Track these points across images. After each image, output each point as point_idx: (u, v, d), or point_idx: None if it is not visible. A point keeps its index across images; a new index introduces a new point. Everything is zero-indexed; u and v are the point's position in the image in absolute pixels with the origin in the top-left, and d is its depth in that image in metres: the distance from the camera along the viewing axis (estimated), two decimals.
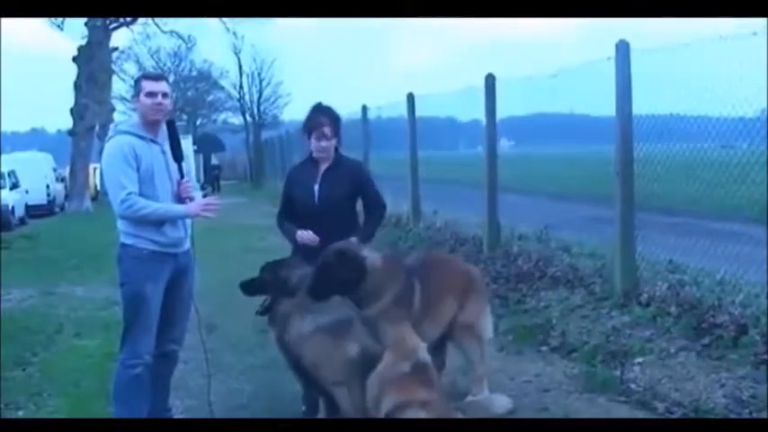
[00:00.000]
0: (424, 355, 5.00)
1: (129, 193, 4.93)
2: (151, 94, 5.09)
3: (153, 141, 5.12)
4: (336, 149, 5.88)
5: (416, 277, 5.45)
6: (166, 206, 5.08)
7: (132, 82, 5.54)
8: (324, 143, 5.74)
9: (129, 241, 5.07)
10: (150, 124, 5.13)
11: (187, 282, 5.38)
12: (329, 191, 5.71)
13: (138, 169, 4.99)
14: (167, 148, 5.20)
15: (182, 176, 5.27)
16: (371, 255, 5.37)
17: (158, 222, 5.07)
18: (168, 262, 5.16)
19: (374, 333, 5.11)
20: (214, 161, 50.77)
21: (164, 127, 5.22)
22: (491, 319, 6.00)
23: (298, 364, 5.21)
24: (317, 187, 5.73)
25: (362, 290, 5.23)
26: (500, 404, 5.55)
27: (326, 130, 5.73)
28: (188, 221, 5.29)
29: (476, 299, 5.84)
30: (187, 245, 5.32)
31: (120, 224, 5.09)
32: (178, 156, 5.27)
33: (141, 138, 5.06)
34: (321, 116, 5.79)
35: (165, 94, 5.13)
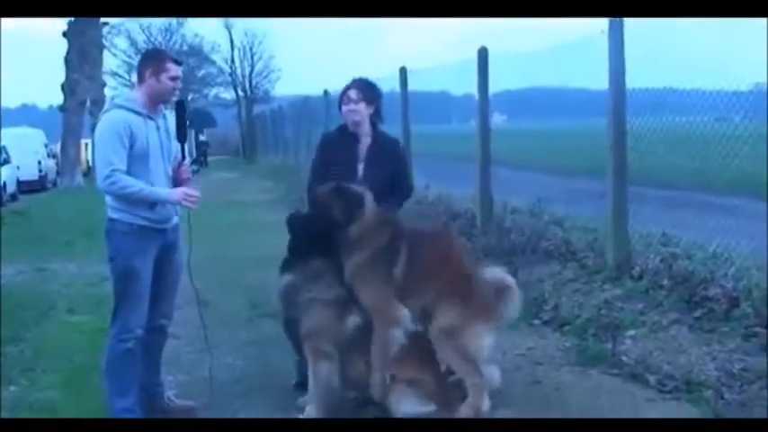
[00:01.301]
0: (410, 326, 5.08)
1: (115, 170, 4.89)
2: (174, 79, 5.12)
3: (149, 117, 5.08)
4: (374, 125, 5.87)
5: (405, 241, 5.21)
6: (149, 188, 5.01)
7: (125, 56, 5.42)
8: (352, 106, 5.76)
9: (117, 216, 5.04)
10: (155, 103, 5.12)
11: (176, 256, 5.37)
12: (374, 171, 5.71)
13: (131, 146, 4.95)
14: (161, 123, 5.18)
15: (183, 158, 5.31)
16: (374, 209, 5.31)
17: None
18: (157, 237, 5.15)
19: (356, 289, 5.16)
20: (202, 137, 50.55)
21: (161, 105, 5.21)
22: (487, 338, 5.13)
23: (294, 328, 5.32)
24: (361, 166, 5.76)
25: (352, 233, 5.16)
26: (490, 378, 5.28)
27: (352, 93, 5.78)
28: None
29: (465, 302, 5.08)
30: (175, 220, 5.31)
31: (109, 199, 5.07)
32: (182, 136, 5.30)
33: (138, 113, 5.02)
34: (350, 84, 5.87)
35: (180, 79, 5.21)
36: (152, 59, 5.20)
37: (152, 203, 5.06)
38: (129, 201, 4.99)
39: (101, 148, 5.00)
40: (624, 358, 5.97)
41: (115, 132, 4.93)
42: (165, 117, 5.26)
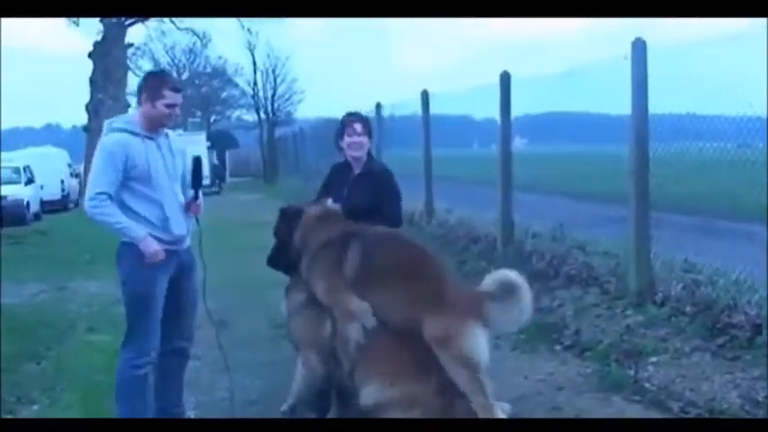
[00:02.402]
0: (370, 320, 5.08)
1: (99, 194, 4.86)
2: (171, 106, 5.07)
3: (148, 138, 5.03)
4: (369, 153, 6.10)
5: (359, 241, 5.24)
6: (127, 223, 4.93)
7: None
8: (356, 138, 5.96)
9: (130, 240, 5.00)
10: (152, 126, 5.07)
11: (192, 278, 5.36)
12: (357, 195, 5.86)
13: (131, 168, 4.91)
14: (163, 142, 5.13)
15: (196, 197, 5.28)
16: (315, 207, 5.65)
17: (163, 219, 5.04)
18: (171, 259, 5.12)
19: (312, 286, 5.32)
20: (214, 161, 50.30)
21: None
22: (481, 339, 4.91)
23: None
24: (345, 191, 5.93)
25: (296, 238, 5.44)
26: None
27: (358, 126, 5.98)
28: (191, 220, 5.28)
29: (443, 308, 4.94)
30: (188, 242, 5.30)
31: None
32: (196, 185, 5.29)
33: (136, 134, 4.98)
34: (351, 116, 6.11)
35: (179, 106, 5.16)
36: (149, 84, 5.11)
37: (168, 222, 5.04)
38: (146, 223, 4.98)
39: (93, 170, 4.98)
40: (647, 385, 5.92)
41: (108, 155, 4.91)
42: (167, 135, 5.20)
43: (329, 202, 5.76)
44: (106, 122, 5.14)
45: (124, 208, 4.95)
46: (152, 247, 4.97)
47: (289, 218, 5.61)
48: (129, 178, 4.94)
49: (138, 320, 5.06)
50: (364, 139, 5.98)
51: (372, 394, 5.11)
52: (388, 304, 5.10)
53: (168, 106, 5.04)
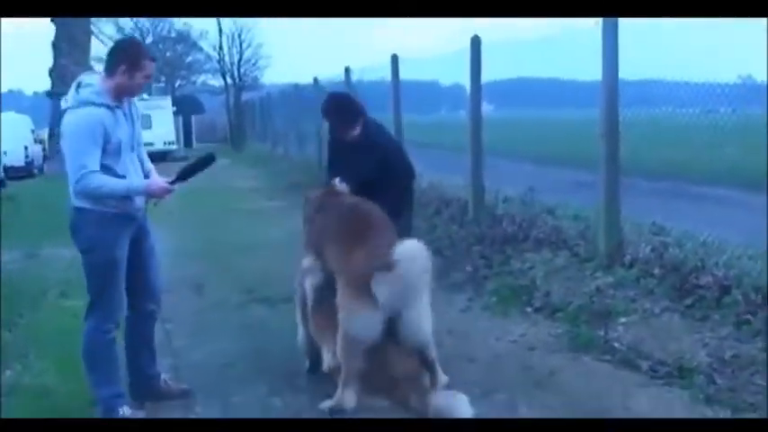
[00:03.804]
0: (315, 276, 5.35)
1: (86, 173, 4.73)
2: (148, 77, 5.00)
3: (116, 107, 4.91)
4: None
5: (324, 209, 5.67)
6: (124, 183, 4.87)
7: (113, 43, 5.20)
8: (352, 133, 6.20)
9: (89, 206, 4.86)
10: (122, 96, 4.96)
11: (150, 238, 5.29)
12: (359, 162, 6.09)
13: (105, 143, 4.80)
14: (127, 110, 5.01)
15: (173, 183, 5.17)
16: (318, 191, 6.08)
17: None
18: (130, 223, 5.05)
19: None
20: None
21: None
22: (357, 319, 4.88)
23: None
24: (349, 159, 6.16)
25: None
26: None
27: (356, 131, 6.20)
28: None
29: (343, 277, 5.05)
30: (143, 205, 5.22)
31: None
32: (187, 176, 5.26)
33: (107, 107, 4.84)
34: (331, 118, 6.34)
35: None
36: (128, 55, 4.93)
37: (123, 197, 4.94)
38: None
39: (74, 149, 4.80)
40: (616, 345, 6.02)
41: (90, 133, 4.75)
42: (130, 103, 5.08)
43: (337, 181, 5.96)
44: (75, 87, 4.91)
45: None
46: (160, 189, 5.01)
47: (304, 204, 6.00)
48: (101, 151, 4.81)
49: (104, 287, 4.97)
50: (357, 129, 6.18)
51: (326, 359, 5.21)
52: (329, 266, 5.31)
53: (146, 77, 4.97)
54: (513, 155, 12.73)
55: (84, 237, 4.96)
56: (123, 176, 4.92)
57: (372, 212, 5.38)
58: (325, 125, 6.81)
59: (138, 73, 4.89)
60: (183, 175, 5.21)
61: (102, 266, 4.96)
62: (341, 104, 6.38)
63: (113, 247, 4.95)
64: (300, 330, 5.70)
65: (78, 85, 4.91)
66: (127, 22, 50.25)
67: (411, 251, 4.82)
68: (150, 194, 5.01)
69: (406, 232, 5.91)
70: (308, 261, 5.52)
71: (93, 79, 4.96)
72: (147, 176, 5.18)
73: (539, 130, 12.81)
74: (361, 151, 6.13)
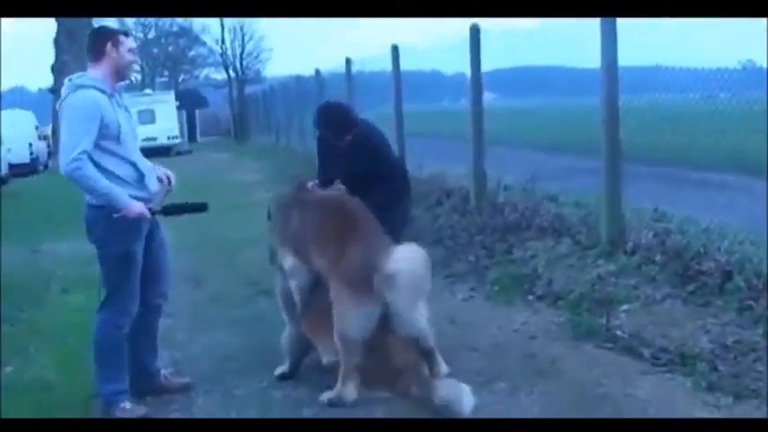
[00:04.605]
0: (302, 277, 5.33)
1: (83, 153, 4.72)
2: (131, 51, 5.09)
3: (111, 95, 4.95)
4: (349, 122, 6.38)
5: (300, 206, 5.57)
6: (111, 188, 4.81)
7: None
8: (339, 143, 6.27)
9: (103, 202, 4.87)
10: (115, 79, 5.03)
11: (161, 232, 5.32)
12: (352, 164, 6.22)
13: (104, 128, 4.81)
14: (120, 100, 5.06)
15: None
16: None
17: (137, 177, 4.98)
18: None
19: None
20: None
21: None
22: (354, 318, 4.94)
23: None
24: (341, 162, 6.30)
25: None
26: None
27: (348, 141, 6.25)
28: (155, 176, 5.22)
29: (335, 275, 5.07)
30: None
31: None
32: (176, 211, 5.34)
33: (103, 92, 4.89)
34: (323, 130, 6.40)
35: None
36: (107, 33, 5.09)
37: (144, 180, 5.00)
38: (123, 183, 4.88)
39: (72, 127, 4.80)
40: (618, 332, 5.99)
41: (88, 114, 4.78)
42: (120, 94, 5.13)
43: (309, 184, 6.01)
44: (68, 80, 4.99)
45: (98, 168, 4.82)
46: (135, 211, 4.87)
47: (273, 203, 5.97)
48: (100, 136, 4.82)
49: (121, 282, 4.99)
50: (348, 138, 6.25)
51: (324, 355, 5.21)
52: (317, 265, 5.25)
53: (130, 51, 5.06)
54: (516, 143, 12.68)
55: (99, 232, 4.98)
56: (132, 161, 4.97)
57: (356, 208, 5.35)
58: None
59: (122, 47, 4.99)
60: (168, 211, 5.27)
61: (118, 261, 4.98)
62: (333, 117, 6.39)
63: (129, 241, 4.98)
64: (287, 329, 5.62)
65: (72, 78, 5.00)
66: (129, 18, 50.21)
67: (413, 257, 4.89)
68: (127, 212, 4.86)
69: (400, 228, 5.92)
70: (290, 261, 5.41)
71: (88, 72, 5.02)
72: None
73: (541, 118, 12.77)
74: (351, 150, 6.18)
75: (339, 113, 6.42)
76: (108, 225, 4.90)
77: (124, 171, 4.94)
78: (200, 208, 5.44)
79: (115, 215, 4.85)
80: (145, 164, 5.10)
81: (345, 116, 6.37)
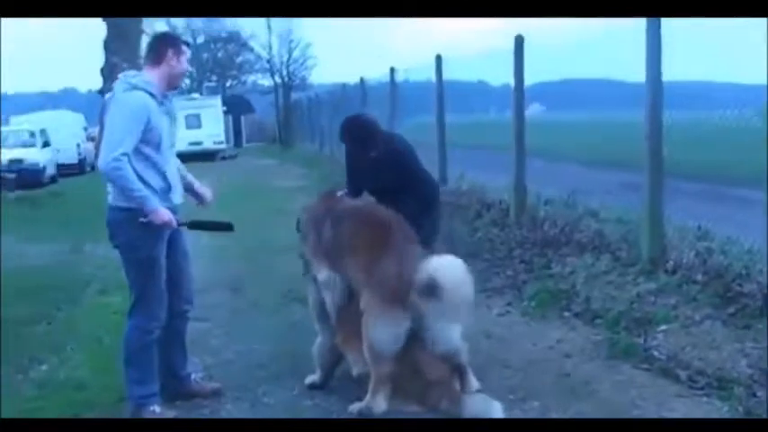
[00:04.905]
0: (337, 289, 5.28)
1: (125, 154, 4.72)
2: (187, 63, 5.17)
3: (160, 102, 4.98)
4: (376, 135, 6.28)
5: (330, 216, 5.50)
6: (145, 193, 4.81)
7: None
8: (365, 156, 6.21)
9: (125, 204, 4.87)
10: (168, 87, 5.09)
11: (183, 238, 5.33)
12: (378, 177, 6.20)
13: (147, 132, 4.82)
14: (169, 107, 5.10)
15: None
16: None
17: (165, 188, 4.98)
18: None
19: None
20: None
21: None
22: (384, 329, 4.90)
23: None
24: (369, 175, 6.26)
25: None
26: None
27: (360, 151, 6.25)
28: (181, 190, 5.25)
29: (370, 286, 5.04)
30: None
31: (115, 190, 4.91)
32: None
33: (154, 97, 4.91)
34: (348, 144, 6.34)
35: None
36: (172, 39, 5.20)
37: (170, 192, 5.01)
38: (151, 189, 4.88)
39: (117, 125, 4.81)
40: (655, 353, 5.88)
41: (136, 115, 4.79)
42: (170, 101, 5.18)
43: (339, 193, 6.02)
44: (122, 76, 4.98)
45: None
46: (163, 218, 4.88)
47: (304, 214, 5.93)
48: (142, 141, 4.83)
49: (147, 286, 5.01)
50: (370, 153, 6.19)
51: (355, 366, 5.17)
52: (350, 276, 5.23)
53: (187, 62, 5.15)
54: (559, 156, 12.58)
55: (121, 235, 4.99)
56: (163, 171, 4.97)
57: (391, 219, 5.32)
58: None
59: (182, 57, 5.07)
60: (194, 226, 5.35)
61: (141, 265, 5.00)
62: (357, 130, 6.33)
63: (150, 246, 4.98)
64: (319, 339, 5.59)
65: (126, 76, 5.00)
66: (179, 22, 50.72)
67: (456, 270, 4.83)
68: (155, 218, 4.85)
69: (430, 241, 5.87)
70: (324, 273, 5.36)
71: (143, 74, 5.06)
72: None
73: (585, 132, 12.67)
74: (377, 164, 6.13)
75: (363, 127, 6.36)
76: (130, 229, 4.91)
77: (153, 179, 4.93)
78: (226, 227, 5.50)
79: (142, 219, 4.85)
80: (174, 176, 5.10)
81: (369, 129, 6.29)
